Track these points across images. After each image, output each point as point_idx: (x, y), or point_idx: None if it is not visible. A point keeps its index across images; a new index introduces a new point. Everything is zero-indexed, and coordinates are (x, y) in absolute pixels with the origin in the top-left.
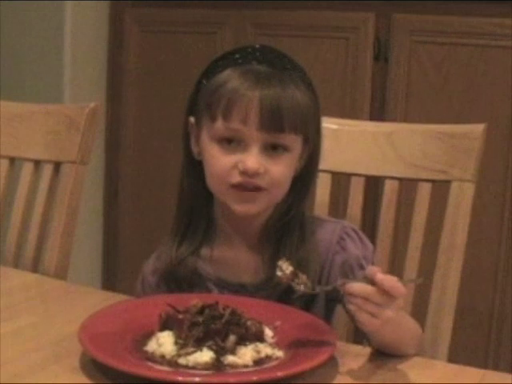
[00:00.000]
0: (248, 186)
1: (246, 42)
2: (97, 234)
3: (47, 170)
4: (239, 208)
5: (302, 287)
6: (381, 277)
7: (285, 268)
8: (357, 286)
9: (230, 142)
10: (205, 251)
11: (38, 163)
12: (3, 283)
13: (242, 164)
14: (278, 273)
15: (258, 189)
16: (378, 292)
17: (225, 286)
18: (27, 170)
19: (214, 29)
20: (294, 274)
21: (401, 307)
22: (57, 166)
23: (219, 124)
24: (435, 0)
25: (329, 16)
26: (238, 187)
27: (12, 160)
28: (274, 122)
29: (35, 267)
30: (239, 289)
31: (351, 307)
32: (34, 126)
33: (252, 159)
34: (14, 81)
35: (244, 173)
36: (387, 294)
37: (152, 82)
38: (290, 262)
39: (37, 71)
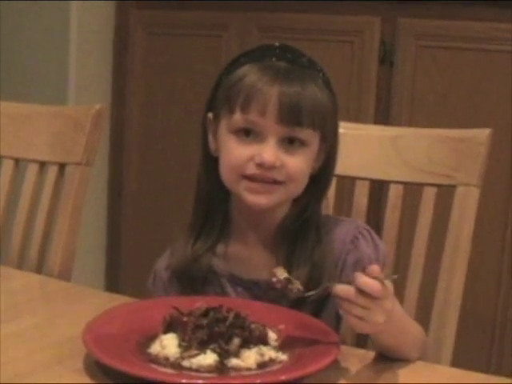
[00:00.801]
0: (263, 179)
1: (251, 44)
2: (100, 235)
3: (52, 172)
4: (251, 199)
5: (294, 291)
6: (358, 277)
7: (279, 274)
8: (342, 289)
9: (248, 135)
10: (220, 248)
11: (42, 164)
12: (7, 284)
13: (259, 156)
14: (273, 279)
15: (274, 182)
16: (360, 294)
17: (238, 282)
18: (32, 171)
19: (219, 31)
20: (288, 281)
21: (388, 311)
22: (61, 167)
23: (237, 116)
24: (441, 4)
25: (334, 20)
26: (251, 178)
27: (17, 161)
28: (293, 115)
29: (39, 268)
30: (252, 286)
31: (340, 310)
32: (39, 127)
33: (269, 152)
34: (20, 82)
35: (260, 165)
36: (369, 295)
37: (157, 84)
38: (285, 269)
39: (42, 73)
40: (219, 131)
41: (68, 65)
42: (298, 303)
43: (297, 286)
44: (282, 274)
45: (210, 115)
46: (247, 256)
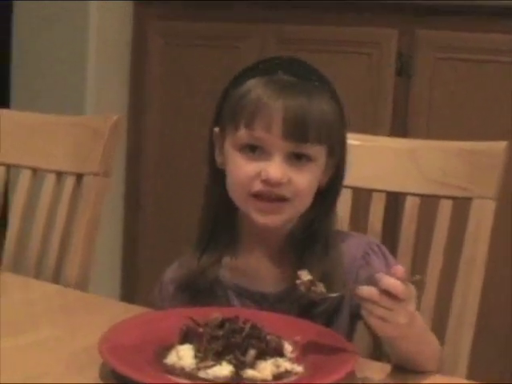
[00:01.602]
0: (270, 196)
1: (269, 56)
2: (117, 245)
3: (69, 182)
4: (261, 219)
5: (318, 293)
6: (383, 278)
7: (303, 276)
8: (365, 290)
9: (254, 151)
10: (227, 259)
11: (60, 175)
12: (25, 294)
13: (265, 173)
14: (297, 281)
15: (281, 199)
16: (385, 295)
17: (245, 294)
18: (49, 181)
19: (238, 43)
20: (312, 283)
21: (411, 314)
22: (79, 177)
23: (242, 132)
24: (458, 16)
25: (352, 31)
26: (258, 197)
27: (34, 171)
28: (298, 131)
29: (56, 278)
30: (259, 298)
31: (363, 312)
32: (56, 137)
33: (275, 168)
34: (37, 92)
35: (266, 182)
36: (394, 296)
37: (175, 95)
38: (310, 272)
39: (60, 83)
40: (225, 146)
41: (86, 75)
42: (307, 315)
43: (320, 288)
44: (306, 276)
45: (217, 129)
46: (254, 268)
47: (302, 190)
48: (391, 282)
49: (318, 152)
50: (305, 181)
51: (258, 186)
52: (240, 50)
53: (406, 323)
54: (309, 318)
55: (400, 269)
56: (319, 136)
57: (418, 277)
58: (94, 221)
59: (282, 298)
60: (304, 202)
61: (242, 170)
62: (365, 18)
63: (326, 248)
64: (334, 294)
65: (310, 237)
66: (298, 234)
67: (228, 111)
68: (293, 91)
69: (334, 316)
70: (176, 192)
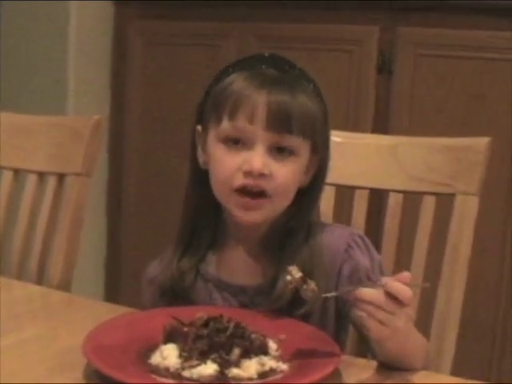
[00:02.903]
0: (252, 190)
1: (249, 54)
2: (100, 245)
3: (51, 182)
4: (243, 216)
5: (309, 293)
6: (390, 282)
7: (294, 273)
8: (370, 293)
9: (237, 143)
10: (209, 254)
11: (42, 175)
12: (7, 295)
13: (247, 164)
14: (288, 277)
15: (261, 195)
16: (389, 299)
17: (225, 287)
18: (31, 181)
19: (218, 41)
20: (303, 280)
21: (410, 318)
22: (61, 177)
23: (225, 123)
24: (439, 13)
25: (333, 29)
26: (241, 191)
27: (16, 172)
28: (282, 122)
29: (39, 279)
30: (239, 291)
31: (361, 314)
32: (38, 137)
33: (257, 159)
34: (17, 92)
35: (248, 173)
36: (396, 300)
37: (156, 94)
38: (300, 268)
39: (41, 83)
40: (208, 142)
41: (66, 75)
42: (287, 309)
43: (312, 286)
44: (296, 272)
45: (199, 128)
46: (235, 262)
47: (283, 183)
48: (400, 287)
49: (301, 146)
50: (286, 175)
51: (240, 180)
52: (220, 49)
53: (402, 327)
54: (288, 312)
55: (408, 276)
56: (302, 128)
57: (423, 283)
58: (76, 221)
59: (260, 291)
60: (285, 198)
61: (224, 163)
62: (345, 16)
63: (307, 240)
64: (328, 295)
65: (291, 230)
66: (278, 228)
67: (210, 106)
68: (276, 84)
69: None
70: (158, 191)
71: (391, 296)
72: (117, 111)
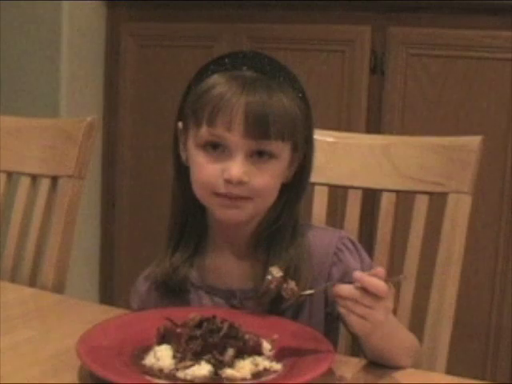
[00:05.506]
0: (232, 196)
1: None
2: (94, 247)
3: (44, 185)
4: (223, 215)
5: (289, 291)
6: (364, 277)
7: (275, 273)
8: (345, 288)
9: (216, 149)
10: (197, 260)
11: (35, 178)
12: (0, 297)
13: (227, 173)
14: (268, 277)
15: (241, 197)
16: (365, 293)
17: (215, 293)
18: (24, 184)
19: (211, 42)
20: (283, 280)
21: (388, 310)
22: (54, 180)
23: (204, 130)
24: (431, 13)
25: (325, 29)
26: (220, 194)
27: (9, 174)
28: (259, 129)
29: (32, 281)
30: (229, 296)
31: (342, 310)
32: (31, 140)
33: (236, 167)
34: (11, 95)
35: (228, 181)
36: (374, 295)
37: (148, 95)
38: (282, 268)
39: (33, 86)
40: (188, 144)
41: (59, 77)
42: (276, 310)
43: (292, 285)
44: (277, 272)
45: (180, 125)
46: (223, 266)
47: (264, 188)
48: (373, 281)
49: (281, 148)
50: (265, 180)
51: (221, 188)
52: (213, 50)
53: (384, 319)
54: (277, 313)
55: (381, 271)
56: (281, 132)
57: (400, 277)
58: (70, 223)
59: (250, 295)
60: (267, 199)
61: (204, 170)
62: (337, 16)
63: (294, 242)
64: (306, 293)
65: (277, 231)
66: (263, 229)
67: (191, 107)
68: (254, 87)
69: (299, 311)
70: (152, 193)
71: (366, 290)
72: (110, 112)
